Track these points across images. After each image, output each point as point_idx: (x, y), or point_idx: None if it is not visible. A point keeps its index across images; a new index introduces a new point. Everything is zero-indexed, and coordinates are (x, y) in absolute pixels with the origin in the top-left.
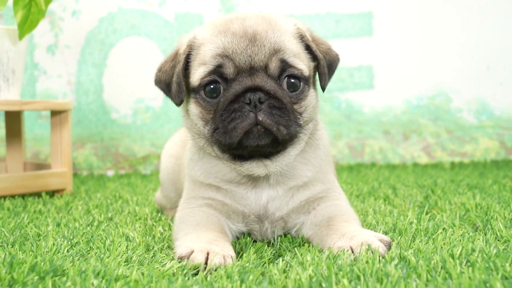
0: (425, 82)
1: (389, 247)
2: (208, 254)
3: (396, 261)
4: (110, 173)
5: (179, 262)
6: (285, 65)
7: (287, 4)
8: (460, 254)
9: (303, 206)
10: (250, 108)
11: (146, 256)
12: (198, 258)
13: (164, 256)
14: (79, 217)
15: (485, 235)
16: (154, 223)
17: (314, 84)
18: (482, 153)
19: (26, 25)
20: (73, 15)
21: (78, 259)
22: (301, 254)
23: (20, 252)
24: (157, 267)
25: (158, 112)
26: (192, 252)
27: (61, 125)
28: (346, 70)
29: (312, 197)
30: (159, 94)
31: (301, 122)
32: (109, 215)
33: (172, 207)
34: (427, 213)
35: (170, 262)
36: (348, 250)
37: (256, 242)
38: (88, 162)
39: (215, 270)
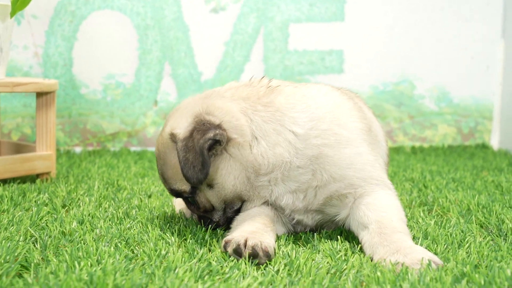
0: (391, 68)
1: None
2: (246, 239)
3: (464, 281)
4: (78, 149)
5: (224, 245)
6: (174, 191)
7: None
8: None
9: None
10: None
11: (202, 266)
12: (238, 239)
13: (218, 265)
14: (95, 211)
15: (505, 241)
16: (175, 221)
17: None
18: (441, 139)
19: (18, 2)
20: None
21: (141, 271)
22: (372, 269)
23: (76, 262)
24: (232, 283)
25: (129, 89)
26: (233, 238)
27: (47, 106)
28: (318, 54)
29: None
30: (131, 70)
31: (219, 212)
32: (124, 209)
33: None
34: (435, 212)
35: (231, 273)
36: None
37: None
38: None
39: (253, 263)
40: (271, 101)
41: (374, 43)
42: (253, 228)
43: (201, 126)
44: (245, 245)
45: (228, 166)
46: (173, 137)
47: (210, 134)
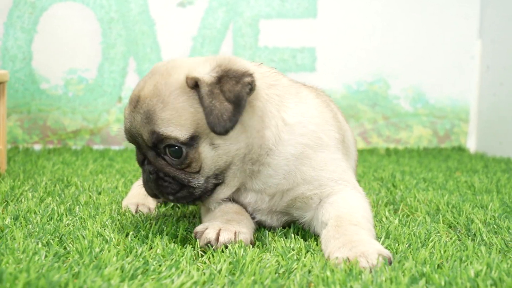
0: (366, 67)
1: (389, 263)
2: (219, 230)
3: (423, 281)
4: (37, 147)
5: (195, 237)
6: (157, 136)
7: None
8: (485, 273)
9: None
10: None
11: (137, 264)
12: (210, 234)
13: (156, 263)
14: (35, 207)
15: (473, 241)
16: (120, 217)
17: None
18: (416, 141)
19: None
20: None
21: (66, 270)
22: (321, 269)
23: None
24: (164, 282)
25: (92, 85)
26: (206, 228)
27: None
28: (289, 51)
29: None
30: (94, 65)
31: (202, 178)
32: (67, 205)
33: None
34: (401, 212)
35: (168, 272)
36: (345, 261)
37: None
38: (13, 135)
39: (226, 248)
40: (276, 81)
41: (348, 41)
42: (228, 216)
43: (232, 73)
44: (217, 240)
45: (247, 119)
46: (192, 81)
47: (248, 79)
